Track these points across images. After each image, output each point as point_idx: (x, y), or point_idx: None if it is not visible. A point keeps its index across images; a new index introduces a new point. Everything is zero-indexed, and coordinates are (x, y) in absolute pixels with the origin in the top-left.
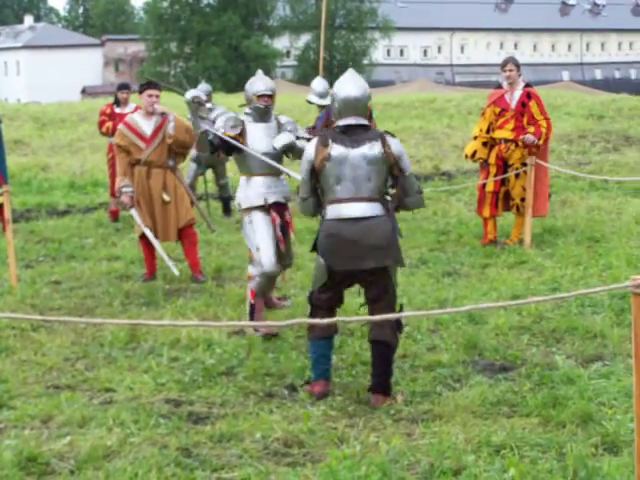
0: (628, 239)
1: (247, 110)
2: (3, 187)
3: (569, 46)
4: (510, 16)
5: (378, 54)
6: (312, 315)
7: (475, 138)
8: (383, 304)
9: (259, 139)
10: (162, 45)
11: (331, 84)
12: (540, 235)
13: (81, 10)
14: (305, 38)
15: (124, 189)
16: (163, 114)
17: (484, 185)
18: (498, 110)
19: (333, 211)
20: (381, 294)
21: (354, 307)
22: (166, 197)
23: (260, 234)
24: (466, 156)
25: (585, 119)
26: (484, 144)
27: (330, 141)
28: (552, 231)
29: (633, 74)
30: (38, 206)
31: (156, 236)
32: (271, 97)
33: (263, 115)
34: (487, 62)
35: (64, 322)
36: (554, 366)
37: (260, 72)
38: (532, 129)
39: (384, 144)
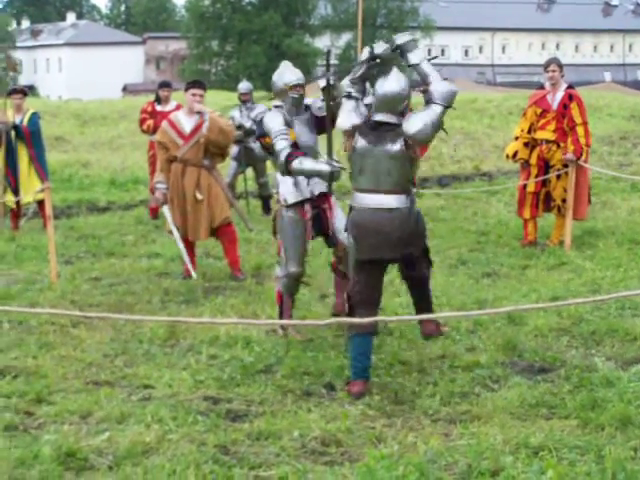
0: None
1: (278, 103)
2: (44, 184)
3: (611, 47)
4: (552, 16)
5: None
6: (351, 311)
7: (516, 138)
8: (416, 274)
9: (303, 134)
10: (203, 43)
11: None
12: (580, 237)
13: (123, 8)
14: (346, 37)
15: (158, 185)
16: (199, 113)
17: (525, 186)
18: (539, 111)
19: (357, 198)
20: (414, 271)
21: (393, 307)
22: (199, 195)
23: (289, 234)
24: (507, 156)
25: (627, 120)
26: (525, 144)
27: (357, 134)
28: (592, 233)
29: None
30: (79, 202)
31: (186, 234)
32: (302, 86)
33: (298, 106)
34: (529, 62)
35: (103, 318)
36: (593, 368)
37: (285, 63)
38: (572, 148)
39: (406, 143)
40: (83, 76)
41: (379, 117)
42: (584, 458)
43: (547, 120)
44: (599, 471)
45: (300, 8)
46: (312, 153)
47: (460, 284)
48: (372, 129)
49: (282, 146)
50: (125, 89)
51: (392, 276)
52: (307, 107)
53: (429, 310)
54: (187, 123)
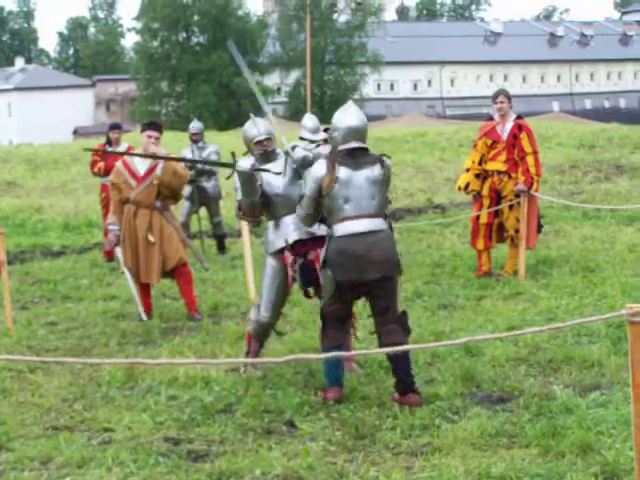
0: (622, 268)
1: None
2: None
3: (558, 77)
4: (499, 48)
5: (369, 89)
6: (324, 328)
7: (467, 170)
8: (389, 316)
9: (274, 180)
10: (153, 84)
11: (322, 119)
12: (534, 266)
13: (71, 51)
14: (295, 74)
15: (110, 227)
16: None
17: (477, 217)
18: (490, 142)
19: (342, 228)
20: (388, 305)
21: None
22: (151, 238)
23: (267, 282)
24: (459, 188)
25: (576, 149)
26: (477, 176)
27: (337, 165)
28: (546, 261)
29: (622, 103)
30: (32, 247)
31: (138, 276)
32: (269, 139)
33: (269, 157)
34: (477, 95)
35: (61, 363)
36: (552, 396)
37: (252, 118)
38: (522, 178)
39: (382, 165)
40: (33, 120)
41: (352, 144)
42: None
43: (497, 151)
44: None
45: (249, 47)
46: (292, 198)
47: (417, 317)
48: (348, 156)
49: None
50: (76, 132)
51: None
52: (287, 152)
53: (411, 375)
54: (141, 165)
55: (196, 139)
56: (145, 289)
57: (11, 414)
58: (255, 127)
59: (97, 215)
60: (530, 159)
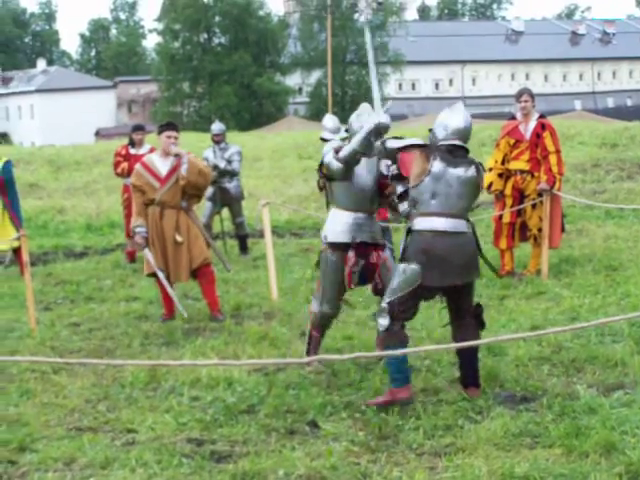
0: None
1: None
2: (19, 231)
3: (580, 75)
4: (521, 47)
5: (390, 88)
6: (390, 326)
7: (490, 170)
8: (468, 319)
9: (361, 175)
10: (174, 85)
11: (343, 119)
12: (557, 265)
13: (93, 53)
14: (316, 74)
15: (137, 229)
16: (177, 155)
17: (500, 216)
18: (512, 141)
19: (425, 223)
20: (465, 306)
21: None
22: (179, 238)
23: (328, 277)
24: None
25: (598, 148)
26: (499, 175)
27: (432, 157)
28: (569, 261)
29: None
30: (55, 248)
31: (168, 277)
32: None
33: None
34: (499, 94)
35: (84, 364)
36: (575, 396)
37: (365, 105)
38: (545, 177)
39: (477, 170)
40: (55, 122)
41: (454, 142)
42: None
43: (520, 150)
44: None
45: (270, 47)
46: (367, 196)
47: (440, 317)
48: (447, 152)
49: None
50: (98, 133)
51: (371, 311)
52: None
53: (477, 370)
54: (163, 165)
55: (218, 140)
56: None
57: (35, 415)
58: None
59: (119, 216)
60: (553, 158)
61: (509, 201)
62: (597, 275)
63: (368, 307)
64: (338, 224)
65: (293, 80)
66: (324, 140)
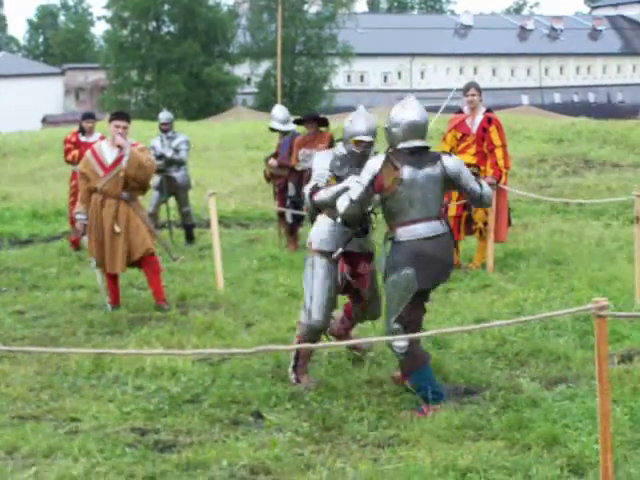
0: (590, 261)
1: (342, 150)
2: None
3: (528, 70)
4: (469, 41)
5: (339, 80)
6: (409, 347)
7: None
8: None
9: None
10: (122, 73)
11: (291, 110)
12: (503, 259)
13: (41, 39)
14: (266, 65)
15: (78, 216)
16: (119, 147)
17: (446, 209)
18: (459, 135)
19: (407, 232)
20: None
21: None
22: (117, 228)
23: (317, 283)
24: None
25: (545, 143)
26: None
27: (400, 164)
28: (514, 254)
29: (591, 97)
30: (0, 235)
31: (103, 266)
32: (371, 144)
33: (359, 160)
34: (447, 87)
35: (28, 352)
36: (518, 389)
37: (360, 110)
38: (491, 171)
39: (442, 165)
40: (1, 108)
41: (416, 143)
42: (512, 478)
43: (467, 144)
44: None
45: (219, 37)
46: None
47: (385, 309)
48: (410, 154)
49: (309, 185)
50: (45, 120)
51: None
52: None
53: None
54: (109, 154)
55: (165, 129)
56: (113, 279)
57: None
58: (364, 122)
59: (65, 204)
60: (498, 152)
61: (455, 194)
62: (542, 269)
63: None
64: (328, 232)
65: (242, 70)
66: (273, 130)
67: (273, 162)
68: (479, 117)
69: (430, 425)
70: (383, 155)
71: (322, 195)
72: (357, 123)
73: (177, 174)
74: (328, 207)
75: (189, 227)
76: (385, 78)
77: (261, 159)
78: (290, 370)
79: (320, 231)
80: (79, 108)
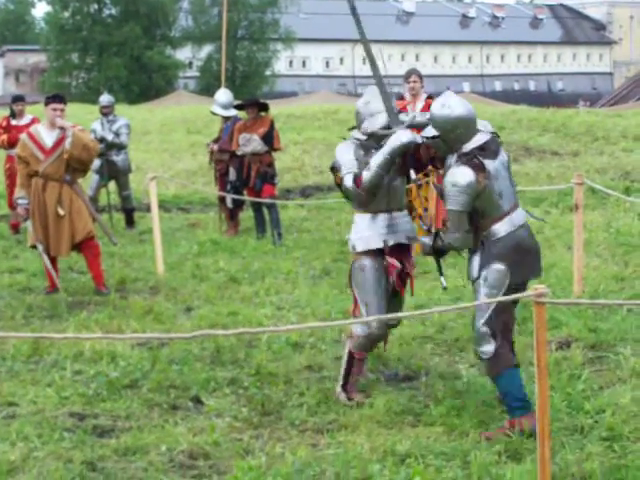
0: None
1: (358, 136)
2: None
3: (469, 58)
4: (411, 28)
5: (280, 65)
6: (497, 349)
7: None
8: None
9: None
10: (63, 56)
11: (234, 95)
12: None
13: None
14: (207, 49)
15: (19, 201)
16: (62, 128)
17: None
18: None
19: (505, 226)
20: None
21: (258, 318)
22: (60, 211)
23: (370, 288)
24: None
25: None
26: None
27: (482, 160)
28: None
29: (532, 85)
30: None
31: (48, 250)
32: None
33: (381, 141)
34: (388, 73)
35: None
36: (457, 375)
37: (373, 88)
38: None
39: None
40: None
41: (483, 137)
42: (450, 464)
43: None
44: (465, 476)
45: (161, 20)
46: (398, 191)
47: (324, 294)
48: (482, 149)
49: (347, 178)
50: None
51: (257, 288)
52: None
53: None
54: (48, 137)
55: (106, 112)
56: (52, 262)
57: None
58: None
59: (2, 187)
60: None
61: None
62: None
63: (253, 283)
64: (366, 229)
65: (183, 54)
66: (214, 114)
67: (214, 147)
68: (420, 104)
69: (369, 411)
70: (461, 164)
71: (367, 176)
72: (375, 104)
73: (117, 158)
74: (381, 176)
75: (129, 211)
76: (327, 64)
77: (202, 143)
78: (339, 390)
79: (360, 229)
80: (19, 90)
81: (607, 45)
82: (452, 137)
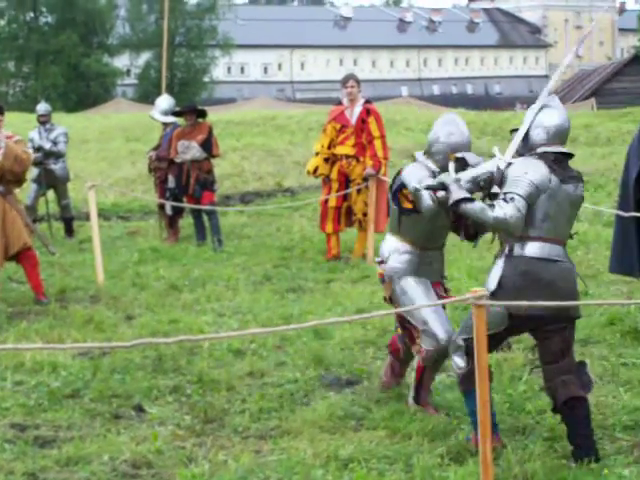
0: (469, 251)
1: (428, 164)
2: None
3: (407, 62)
4: (349, 33)
5: (219, 71)
6: (469, 365)
7: (317, 154)
8: (562, 365)
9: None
10: None
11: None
12: None
13: None
14: (145, 56)
15: None
16: None
17: (326, 201)
18: (339, 126)
19: (533, 248)
20: (562, 352)
21: (199, 325)
22: None
23: (422, 302)
24: (308, 172)
25: (424, 134)
26: (325, 160)
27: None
28: None
29: (470, 89)
30: None
31: None
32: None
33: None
34: (327, 79)
35: None
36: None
37: (452, 118)
38: (370, 162)
39: (582, 186)
40: None
41: (560, 148)
42: (393, 467)
43: (346, 135)
44: (408, 479)
45: (98, 28)
46: (439, 229)
47: (265, 300)
48: (555, 163)
49: (421, 188)
50: None
51: (197, 295)
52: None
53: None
54: None
55: (44, 121)
56: None
57: None
58: (459, 134)
59: None
60: (377, 143)
61: (335, 185)
62: None
63: (193, 290)
64: (401, 261)
65: (121, 62)
66: (153, 119)
67: (152, 154)
68: (358, 108)
69: (312, 416)
70: (536, 160)
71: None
72: (454, 134)
73: (56, 166)
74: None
75: (68, 220)
76: (265, 69)
77: (141, 151)
78: (411, 401)
79: (396, 258)
80: None
81: (543, 48)
82: (535, 132)
